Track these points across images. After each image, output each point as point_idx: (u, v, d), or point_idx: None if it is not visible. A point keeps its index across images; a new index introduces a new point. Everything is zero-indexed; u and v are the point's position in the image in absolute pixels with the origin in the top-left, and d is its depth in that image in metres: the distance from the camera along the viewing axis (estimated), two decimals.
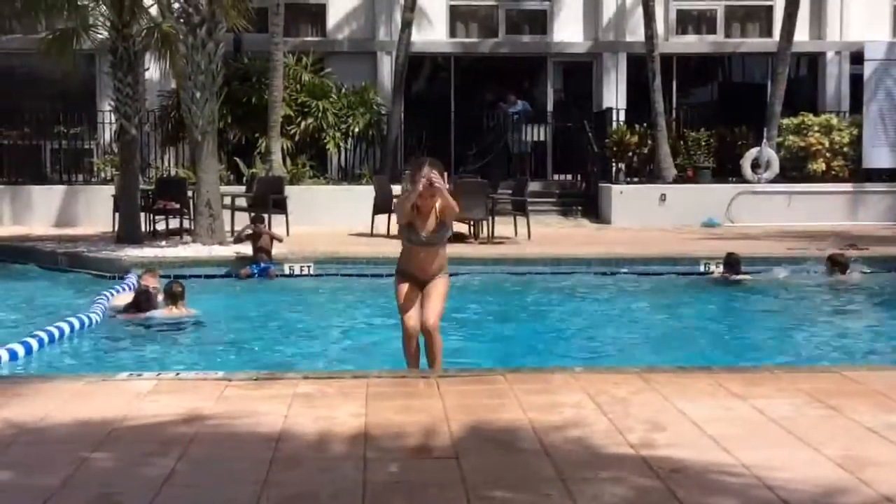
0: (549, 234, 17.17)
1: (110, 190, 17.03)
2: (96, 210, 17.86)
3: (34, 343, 7.83)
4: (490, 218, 15.78)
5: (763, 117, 20.17)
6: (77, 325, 8.64)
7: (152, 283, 10.05)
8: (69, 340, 8.38)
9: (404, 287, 6.58)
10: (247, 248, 13.45)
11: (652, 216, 18.75)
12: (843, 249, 13.95)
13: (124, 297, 10.22)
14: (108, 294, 10.41)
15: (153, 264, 11.81)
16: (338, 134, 20.22)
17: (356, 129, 20.29)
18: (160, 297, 9.76)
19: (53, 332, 8.19)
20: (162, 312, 9.47)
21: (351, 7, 22.74)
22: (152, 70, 17.71)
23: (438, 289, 6.56)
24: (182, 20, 14.35)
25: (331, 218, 17.74)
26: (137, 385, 5.57)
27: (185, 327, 9.26)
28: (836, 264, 12.32)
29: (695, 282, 12.59)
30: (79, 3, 15.56)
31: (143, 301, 9.54)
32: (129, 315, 9.46)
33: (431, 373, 5.96)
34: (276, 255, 13.15)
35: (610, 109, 21.28)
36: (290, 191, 17.18)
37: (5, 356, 7.37)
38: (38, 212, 18.75)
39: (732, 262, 12.24)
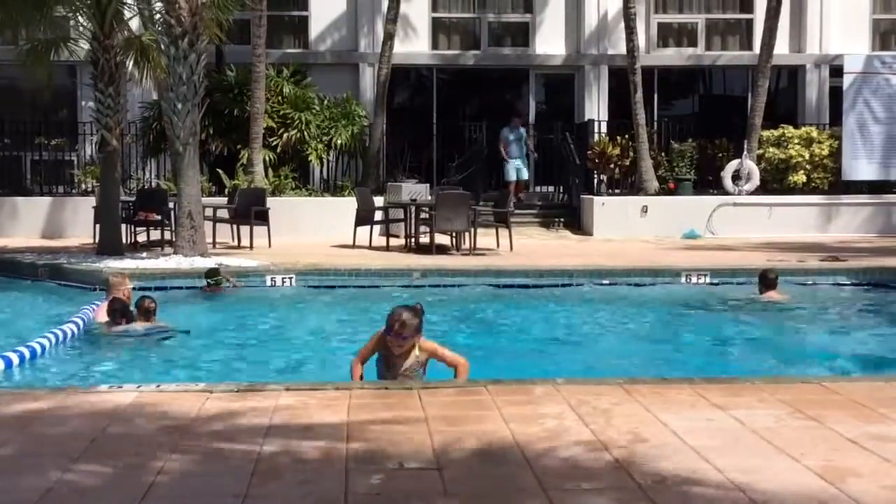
0: (531, 245, 17.19)
1: (92, 201, 16.97)
2: (79, 221, 17.82)
3: (15, 357, 7.76)
4: (472, 229, 15.81)
5: (744, 129, 20.30)
6: (54, 339, 8.54)
7: (126, 285, 9.88)
8: (49, 354, 8.30)
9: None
10: (229, 259, 13.48)
11: (634, 228, 18.83)
12: (824, 260, 14.05)
13: (104, 310, 10.11)
14: (90, 307, 10.32)
15: (122, 272, 11.59)
16: (320, 146, 20.22)
17: (338, 141, 20.30)
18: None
19: (34, 348, 8.11)
20: (136, 326, 9.33)
21: (333, 19, 22.79)
22: (134, 81, 17.66)
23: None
24: (164, 32, 14.32)
25: (313, 229, 17.75)
26: (118, 397, 5.54)
27: (158, 340, 9.13)
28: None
29: (674, 292, 12.62)
30: (57, 14, 15.51)
31: (117, 315, 9.39)
32: (109, 328, 9.37)
33: (414, 384, 5.95)
34: (259, 267, 13.13)
35: (592, 121, 21.38)
36: (272, 202, 17.17)
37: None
38: (21, 223, 18.66)
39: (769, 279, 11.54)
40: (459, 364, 6.40)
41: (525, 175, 21.46)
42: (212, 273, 12.02)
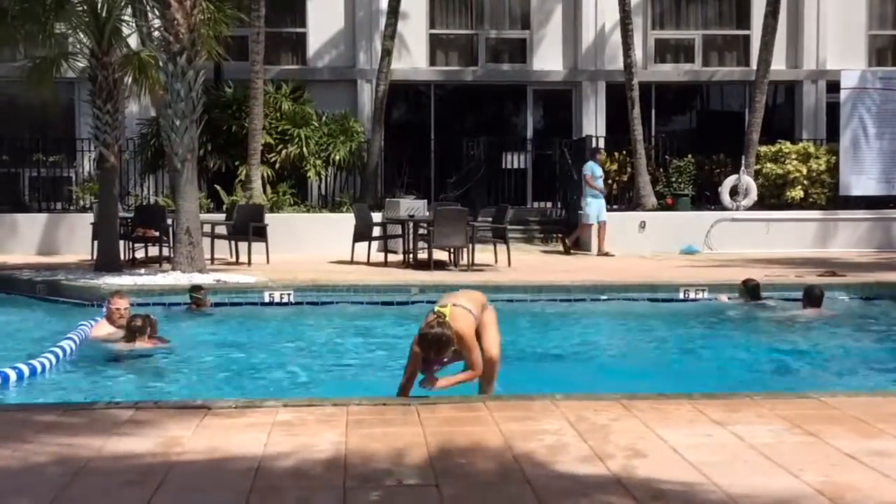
0: (528, 261, 17.19)
1: (90, 218, 16.97)
2: (77, 238, 17.78)
3: (12, 373, 7.74)
4: (470, 245, 15.81)
5: (741, 145, 20.33)
6: (53, 358, 8.51)
7: (122, 304, 9.85)
8: (47, 372, 8.27)
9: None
10: (227, 275, 13.50)
11: (631, 243, 18.80)
12: (822, 275, 14.04)
13: (102, 327, 10.06)
14: (87, 323, 10.28)
15: (123, 289, 11.54)
16: (318, 162, 20.24)
17: (337, 157, 20.32)
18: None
19: (34, 365, 8.08)
20: (123, 346, 9.26)
21: (331, 35, 22.85)
22: (132, 98, 17.69)
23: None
24: (162, 48, 14.35)
25: (311, 245, 17.74)
26: (116, 413, 5.53)
27: (152, 359, 9.07)
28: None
29: (675, 307, 12.62)
30: (57, 31, 15.55)
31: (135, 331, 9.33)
32: (111, 343, 9.34)
33: (412, 400, 5.95)
34: (257, 283, 13.13)
35: (589, 137, 21.39)
36: (271, 218, 17.16)
37: None
38: (19, 240, 18.63)
39: (751, 289, 12.12)
40: (473, 369, 6.37)
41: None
42: (195, 289, 11.98)
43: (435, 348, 6.13)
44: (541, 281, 13.82)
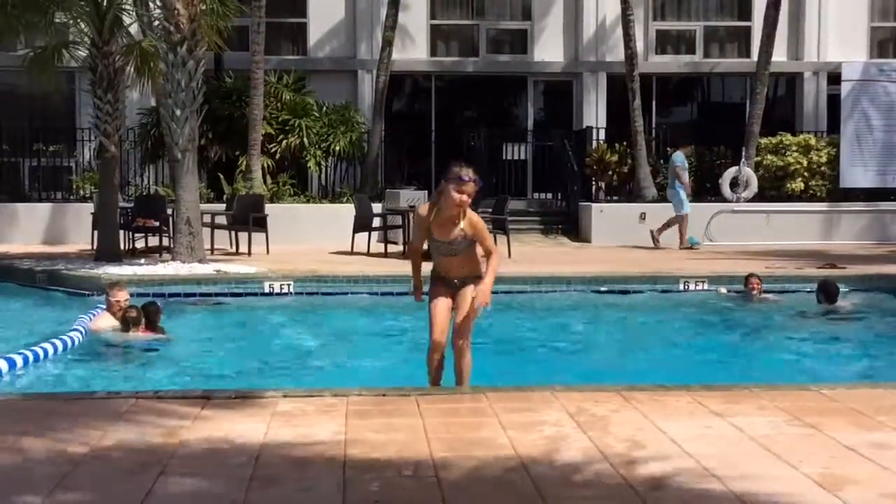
0: (529, 252, 17.19)
1: (91, 208, 16.97)
2: (77, 228, 17.79)
3: (7, 363, 7.74)
4: None
5: (742, 137, 20.31)
6: (53, 348, 8.51)
7: (121, 297, 9.86)
8: (47, 362, 8.27)
9: (439, 300, 6.58)
10: (227, 266, 13.49)
11: (632, 235, 18.79)
12: (822, 268, 14.04)
13: (103, 318, 10.05)
14: (88, 315, 10.27)
15: (122, 280, 11.52)
16: (319, 152, 20.23)
17: (337, 148, 20.31)
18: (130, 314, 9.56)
19: (28, 356, 8.08)
20: (120, 336, 9.26)
21: (331, 26, 22.82)
22: (132, 88, 17.67)
23: (468, 300, 6.43)
24: (162, 38, 14.32)
25: (311, 236, 17.74)
26: (115, 404, 5.53)
27: (151, 350, 9.08)
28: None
29: (670, 299, 12.63)
30: (57, 20, 15.53)
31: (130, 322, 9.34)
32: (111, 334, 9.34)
33: (412, 391, 5.95)
34: (257, 273, 13.13)
35: (590, 128, 21.40)
36: (271, 209, 17.15)
37: None
38: (19, 229, 18.63)
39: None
40: (492, 254, 6.47)
41: None
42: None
43: (466, 171, 6.16)
44: (541, 272, 13.81)
